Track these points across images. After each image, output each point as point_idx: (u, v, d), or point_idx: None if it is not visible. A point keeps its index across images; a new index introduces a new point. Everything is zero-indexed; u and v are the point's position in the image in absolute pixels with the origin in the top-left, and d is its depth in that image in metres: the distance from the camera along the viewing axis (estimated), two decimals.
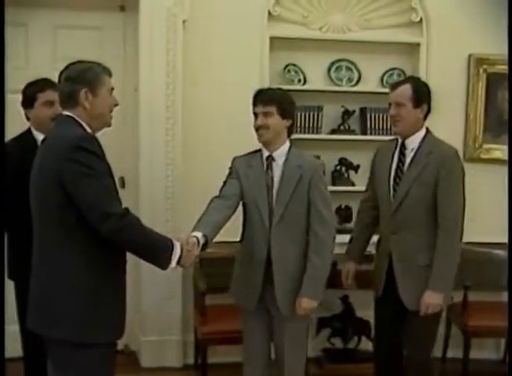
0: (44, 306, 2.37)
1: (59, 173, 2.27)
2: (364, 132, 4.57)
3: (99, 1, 4.25)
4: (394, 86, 3.23)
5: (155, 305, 4.23)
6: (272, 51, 4.42)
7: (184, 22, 4.16)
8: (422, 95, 3.18)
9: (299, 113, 4.40)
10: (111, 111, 2.52)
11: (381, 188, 3.29)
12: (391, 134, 4.57)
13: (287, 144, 3.13)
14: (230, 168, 3.20)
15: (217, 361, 4.06)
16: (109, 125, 2.55)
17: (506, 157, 4.60)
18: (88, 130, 2.43)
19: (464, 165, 4.46)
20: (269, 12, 4.41)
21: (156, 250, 2.42)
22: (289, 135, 3.15)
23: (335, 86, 4.59)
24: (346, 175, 4.58)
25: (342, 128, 4.57)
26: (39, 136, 3.30)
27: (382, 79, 4.64)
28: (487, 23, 4.51)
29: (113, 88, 2.52)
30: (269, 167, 3.10)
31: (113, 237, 2.32)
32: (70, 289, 2.32)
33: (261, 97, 3.07)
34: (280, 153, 3.10)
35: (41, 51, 4.23)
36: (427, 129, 3.27)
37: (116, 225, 2.27)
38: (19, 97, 3.27)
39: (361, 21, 4.56)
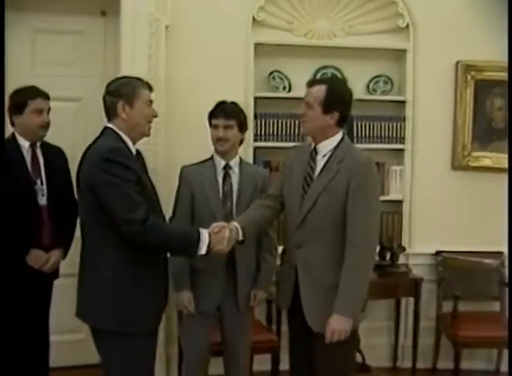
0: (89, 297, 2.63)
1: (90, 181, 2.53)
2: (351, 141, 4.48)
3: (80, 5, 4.15)
4: (312, 83, 2.93)
5: None
6: (256, 57, 4.36)
7: (167, 27, 4.09)
8: (335, 102, 2.84)
9: (284, 121, 4.41)
10: (150, 122, 2.74)
11: (290, 198, 2.98)
12: (383, 142, 4.54)
13: (238, 155, 3.43)
14: (180, 177, 3.44)
15: None
16: (147, 135, 2.78)
17: (495, 164, 4.56)
18: (127, 140, 2.66)
19: (452, 173, 4.51)
20: (254, 18, 4.37)
21: (181, 245, 2.65)
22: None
23: None
24: None
25: None
26: (24, 143, 3.40)
27: (368, 86, 4.58)
28: (474, 29, 4.49)
29: (151, 101, 2.74)
30: (227, 175, 3.33)
31: (134, 241, 2.54)
32: (109, 283, 2.56)
33: (224, 110, 3.29)
34: (235, 162, 3.36)
35: (21, 55, 4.13)
36: (343, 136, 2.95)
37: (135, 231, 2.49)
38: None
39: (346, 27, 4.51)
